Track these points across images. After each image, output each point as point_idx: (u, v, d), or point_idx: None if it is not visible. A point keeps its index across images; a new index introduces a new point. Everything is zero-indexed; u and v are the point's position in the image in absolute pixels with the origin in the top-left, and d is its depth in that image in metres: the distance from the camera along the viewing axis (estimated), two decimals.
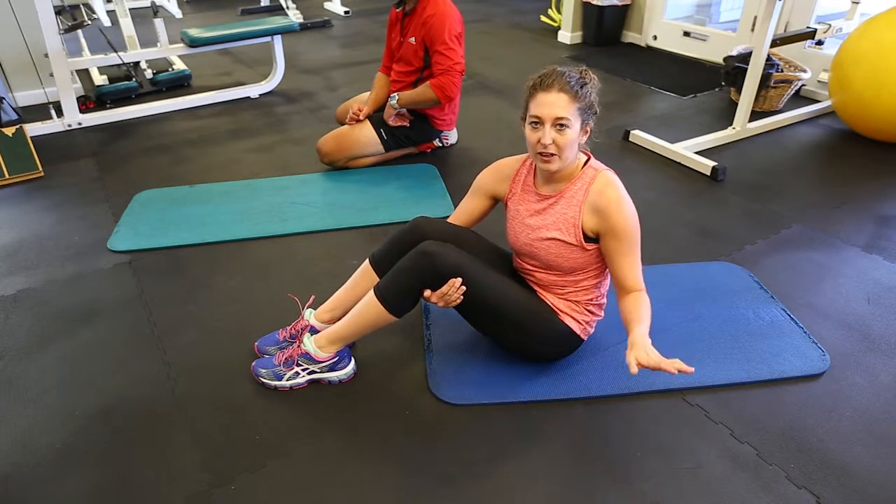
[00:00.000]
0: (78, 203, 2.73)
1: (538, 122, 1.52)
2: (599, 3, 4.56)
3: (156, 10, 3.88)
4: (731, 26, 4.43)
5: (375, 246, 1.83)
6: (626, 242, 1.57)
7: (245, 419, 1.65)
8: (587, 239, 1.60)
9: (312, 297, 1.96)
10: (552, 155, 1.53)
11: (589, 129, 1.57)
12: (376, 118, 2.92)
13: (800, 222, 2.47)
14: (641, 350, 1.40)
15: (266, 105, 3.80)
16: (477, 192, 1.82)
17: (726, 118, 3.35)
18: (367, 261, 1.81)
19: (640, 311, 1.55)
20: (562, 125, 1.50)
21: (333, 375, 1.73)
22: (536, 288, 1.74)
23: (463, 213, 1.85)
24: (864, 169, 2.88)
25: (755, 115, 3.32)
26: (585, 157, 1.64)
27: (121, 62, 3.72)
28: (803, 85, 3.60)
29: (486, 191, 1.80)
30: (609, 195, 1.56)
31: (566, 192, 1.61)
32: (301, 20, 5.50)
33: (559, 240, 1.61)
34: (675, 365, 1.35)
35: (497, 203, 1.83)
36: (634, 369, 1.37)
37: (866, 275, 2.16)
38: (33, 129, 3.31)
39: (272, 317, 1.99)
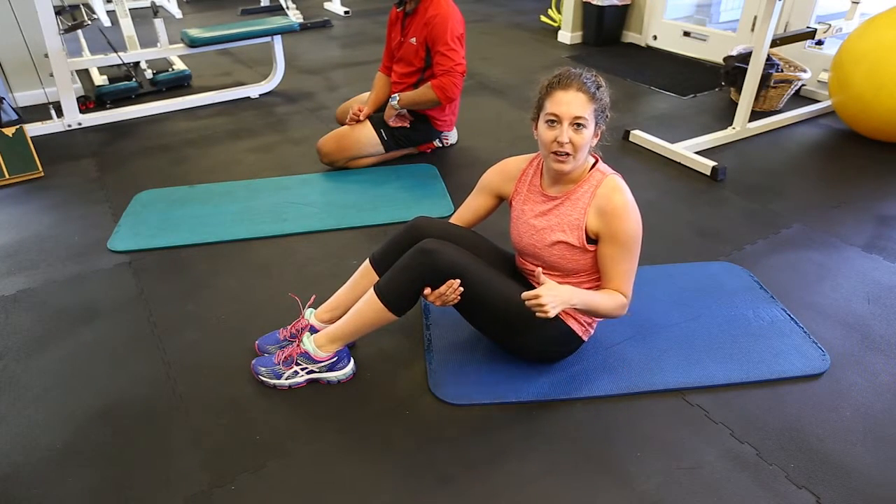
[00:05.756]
0: (78, 203, 2.73)
1: (555, 121, 1.51)
2: (599, 3, 4.56)
3: (156, 10, 3.88)
4: (731, 26, 4.43)
5: (375, 246, 1.83)
6: (624, 251, 1.56)
7: (245, 419, 1.65)
8: (589, 241, 1.60)
9: (313, 296, 1.96)
10: (567, 155, 1.53)
11: (600, 133, 1.57)
12: (376, 118, 2.91)
13: (800, 222, 2.47)
14: (554, 292, 1.46)
15: (266, 105, 3.80)
16: (482, 191, 1.82)
17: (726, 118, 3.35)
18: (367, 261, 1.81)
19: (600, 292, 1.58)
20: (579, 124, 1.50)
21: (332, 375, 1.73)
22: None
23: (467, 211, 1.85)
24: (864, 169, 2.88)
25: (755, 115, 3.32)
26: (593, 160, 1.64)
27: (121, 62, 3.72)
28: (803, 85, 3.60)
29: (491, 189, 1.81)
30: (616, 200, 1.56)
31: (572, 194, 1.61)
32: (301, 20, 5.50)
33: (564, 242, 1.61)
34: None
35: (502, 202, 1.83)
36: (541, 278, 1.49)
37: (866, 275, 2.16)
38: (33, 129, 3.31)
39: (272, 317, 1.99)
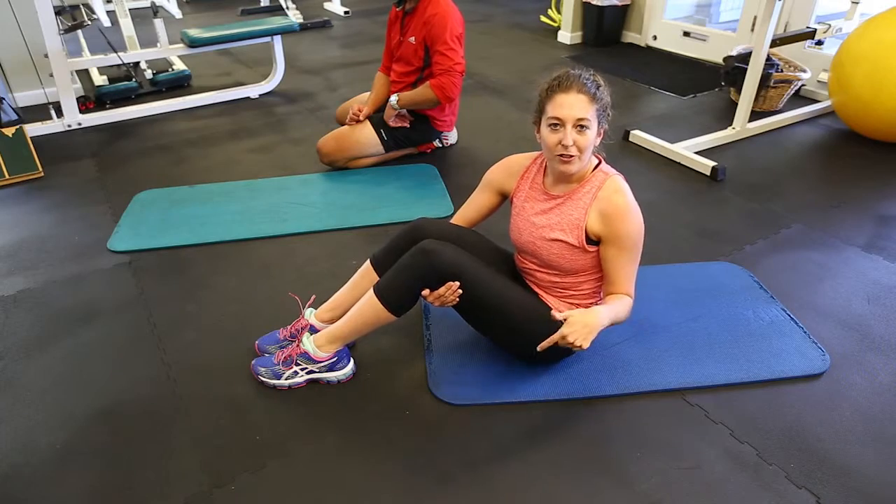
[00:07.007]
0: (78, 203, 2.73)
1: (559, 124, 1.51)
2: (599, 3, 4.56)
3: (156, 11, 3.88)
4: (730, 26, 4.43)
5: (376, 246, 1.83)
6: (626, 252, 1.57)
7: (245, 419, 1.65)
8: (589, 241, 1.60)
9: (313, 296, 1.96)
10: (572, 157, 1.53)
11: (603, 132, 1.58)
12: (376, 119, 2.92)
13: (800, 222, 2.47)
14: (581, 323, 1.43)
15: (266, 105, 3.80)
16: (486, 187, 1.83)
17: (726, 118, 3.35)
18: (367, 261, 1.81)
19: (614, 302, 1.57)
20: (582, 126, 1.50)
21: (332, 375, 1.73)
22: (537, 290, 1.74)
23: (470, 208, 1.86)
24: (864, 169, 2.88)
25: (755, 115, 3.32)
26: (597, 161, 1.64)
27: (121, 62, 3.72)
28: (803, 85, 3.60)
29: (494, 186, 1.81)
30: (617, 202, 1.56)
31: (574, 193, 1.61)
32: (301, 20, 5.50)
33: (562, 241, 1.61)
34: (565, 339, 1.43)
35: (505, 199, 1.83)
36: (558, 317, 1.45)
37: (866, 275, 2.16)
38: (33, 129, 3.31)
39: (272, 317, 1.99)
